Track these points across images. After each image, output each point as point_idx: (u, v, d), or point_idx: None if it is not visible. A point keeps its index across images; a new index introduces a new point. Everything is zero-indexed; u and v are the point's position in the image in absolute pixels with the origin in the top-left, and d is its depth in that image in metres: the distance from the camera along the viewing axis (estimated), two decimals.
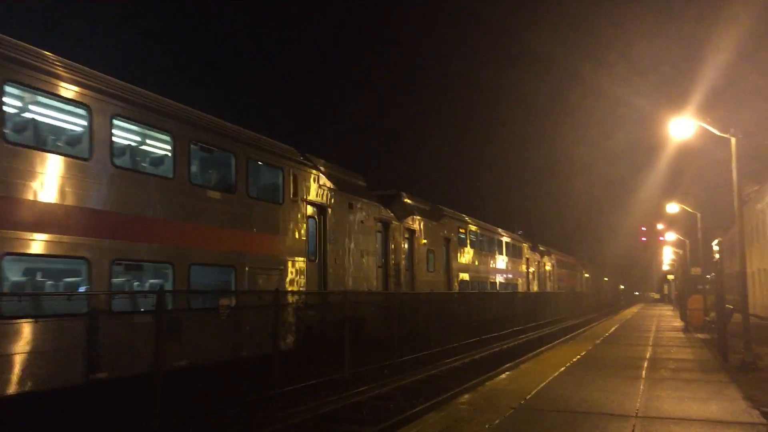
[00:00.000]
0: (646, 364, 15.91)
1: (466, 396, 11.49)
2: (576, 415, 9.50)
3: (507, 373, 15.06)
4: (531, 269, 49.14)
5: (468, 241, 33.29)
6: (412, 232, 25.46)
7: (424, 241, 26.71)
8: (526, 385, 12.22)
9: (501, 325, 32.41)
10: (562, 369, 14.81)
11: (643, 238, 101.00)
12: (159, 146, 13.69)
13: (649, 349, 20.12)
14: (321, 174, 18.98)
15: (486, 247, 37.10)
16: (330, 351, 17.57)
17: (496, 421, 9.01)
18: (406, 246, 24.93)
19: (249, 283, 15.12)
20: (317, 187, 18.60)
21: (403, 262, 24.41)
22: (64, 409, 10.00)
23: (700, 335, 25.87)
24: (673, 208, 37.46)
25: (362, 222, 21.17)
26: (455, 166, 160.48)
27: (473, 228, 34.57)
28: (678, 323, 34.87)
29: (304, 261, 17.75)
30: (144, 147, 13.64)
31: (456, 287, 30.39)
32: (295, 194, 17.42)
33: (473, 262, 34.17)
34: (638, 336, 26.06)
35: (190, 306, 13.38)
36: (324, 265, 18.87)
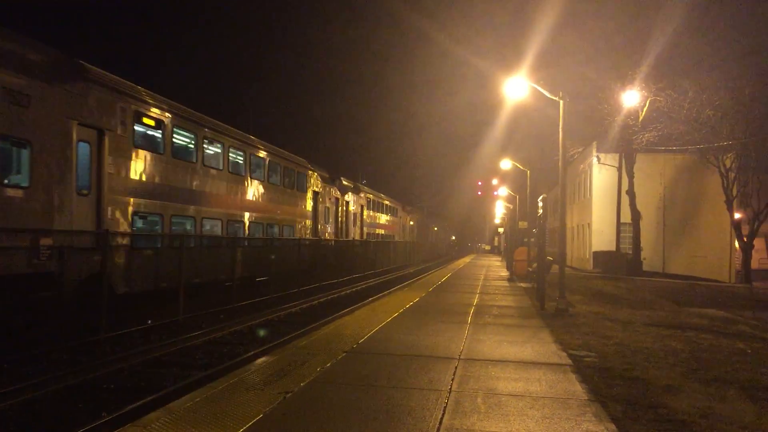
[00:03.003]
0: (472, 311, 16.88)
1: (301, 341, 11.63)
2: (405, 358, 9.92)
3: (343, 318, 15.38)
4: (323, 207, 35.42)
5: (168, 146, 18.82)
6: None
7: None
8: (360, 330, 12.57)
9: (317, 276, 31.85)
10: (395, 315, 15.37)
11: (479, 192, 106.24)
12: None
13: (477, 296, 21.34)
14: None
15: (213, 160, 22.04)
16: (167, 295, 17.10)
17: (328, 365, 9.22)
18: None
19: None
20: None
21: None
22: None
23: (523, 284, 27.80)
24: (506, 164, 39.64)
25: None
26: (303, 120, 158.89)
27: (180, 123, 19.65)
28: (505, 273, 37.26)
29: None
30: None
31: (122, 221, 16.36)
32: None
33: (183, 182, 19.63)
34: (468, 284, 27.55)
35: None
36: None
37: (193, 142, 20.59)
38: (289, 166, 29.52)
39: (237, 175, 23.50)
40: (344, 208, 40.61)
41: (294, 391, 7.68)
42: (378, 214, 53.14)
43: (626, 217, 37.74)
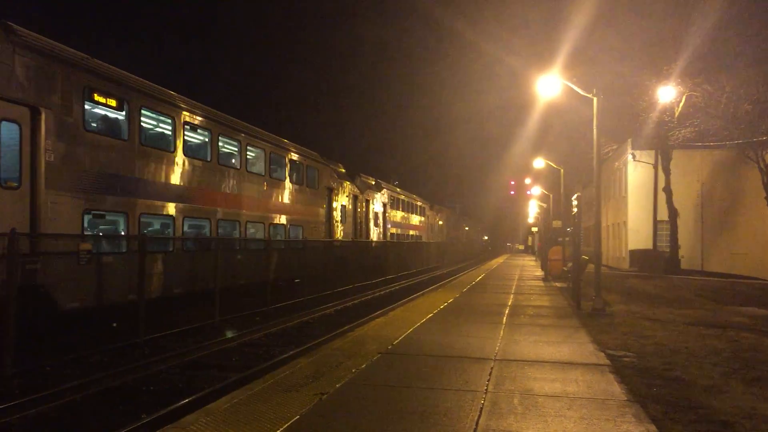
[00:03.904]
0: (507, 311, 16.76)
1: (336, 342, 11.66)
2: (439, 359, 9.89)
3: (377, 320, 15.39)
4: (338, 205, 31.70)
5: (135, 131, 15.93)
6: None
7: None
8: (395, 332, 12.56)
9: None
10: (430, 316, 15.33)
11: (512, 192, 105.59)
12: None
13: (511, 296, 21.20)
14: None
15: (196, 150, 19.16)
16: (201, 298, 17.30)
17: (363, 366, 9.23)
18: None
19: None
20: None
21: None
22: None
23: (558, 284, 27.54)
24: (539, 163, 39.32)
25: None
26: (336, 120, 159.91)
27: (151, 104, 16.73)
28: (539, 273, 36.94)
29: None
30: None
31: (68, 221, 13.40)
32: None
33: (157, 174, 16.76)
34: (502, 284, 27.38)
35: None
36: None
37: (169, 127, 17.62)
38: (297, 159, 26.31)
39: (229, 168, 20.58)
40: (364, 206, 37.17)
41: (330, 393, 7.70)
42: (403, 213, 49.77)
43: (663, 214, 37.16)
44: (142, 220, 15.96)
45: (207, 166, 19.33)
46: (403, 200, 50.02)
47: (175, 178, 17.64)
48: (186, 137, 18.30)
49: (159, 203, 16.77)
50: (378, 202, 40.96)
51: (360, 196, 36.19)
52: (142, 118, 16.32)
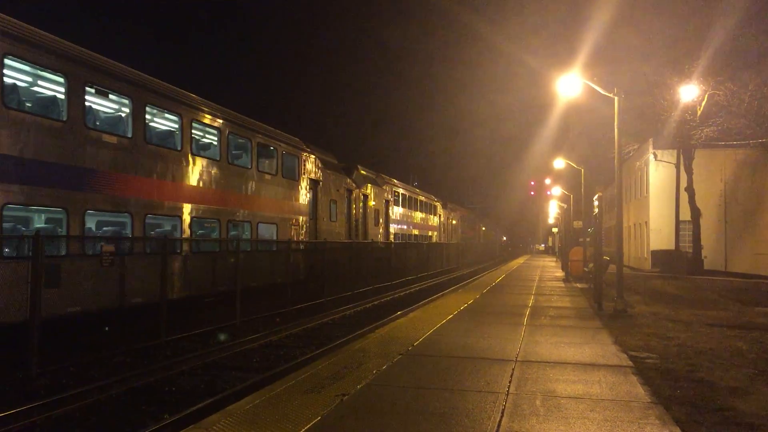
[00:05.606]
0: (528, 312, 16.68)
1: (357, 343, 11.67)
2: (460, 360, 9.86)
3: (397, 321, 15.38)
4: (326, 200, 27.76)
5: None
6: None
7: None
8: (415, 333, 12.55)
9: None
10: (450, 317, 15.29)
11: (532, 192, 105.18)
12: None
13: (532, 297, 21.09)
14: None
15: (113, 124, 15.62)
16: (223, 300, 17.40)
17: (384, 367, 9.23)
18: None
19: None
20: None
21: None
22: None
23: (579, 285, 27.35)
24: (559, 163, 39.10)
25: None
26: (356, 121, 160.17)
27: (29, 55, 12.41)
28: (560, 273, 36.71)
29: None
30: None
31: None
32: None
33: (49, 152, 12.75)
34: (522, 285, 27.25)
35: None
36: None
37: (60, 88, 13.44)
38: (269, 143, 22.23)
39: (165, 149, 16.78)
40: (360, 203, 32.95)
41: (351, 394, 7.70)
42: (409, 212, 45.53)
43: (685, 214, 36.75)
44: (5, 213, 11.83)
45: (124, 142, 15.04)
46: (410, 197, 46.01)
47: (71, 158, 13.31)
48: (91, 104, 14.43)
49: (41, 191, 12.51)
50: (379, 198, 36.61)
51: (356, 191, 32.23)
52: (6, 71, 12.07)
